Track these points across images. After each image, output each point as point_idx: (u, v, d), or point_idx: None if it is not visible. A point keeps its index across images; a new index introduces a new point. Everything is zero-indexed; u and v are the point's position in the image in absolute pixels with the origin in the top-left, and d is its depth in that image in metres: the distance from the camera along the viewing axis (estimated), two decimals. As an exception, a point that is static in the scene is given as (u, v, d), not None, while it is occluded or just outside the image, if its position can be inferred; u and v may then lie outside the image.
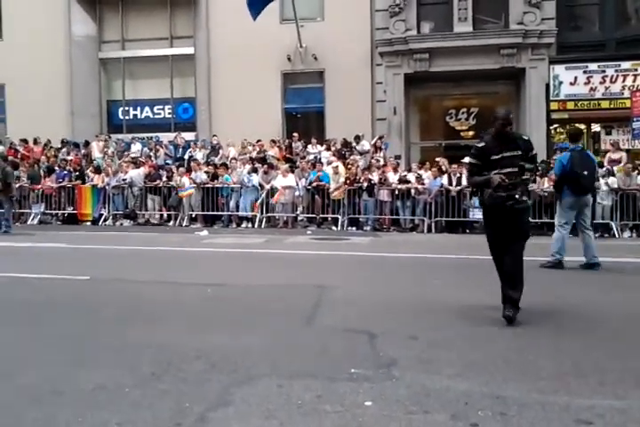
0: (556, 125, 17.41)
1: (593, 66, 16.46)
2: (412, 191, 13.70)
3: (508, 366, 3.64)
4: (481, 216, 12.90)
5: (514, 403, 2.99)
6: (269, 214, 14.49)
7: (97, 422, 2.75)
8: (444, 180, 13.69)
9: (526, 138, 4.95)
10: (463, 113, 18.03)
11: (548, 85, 16.59)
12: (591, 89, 16.47)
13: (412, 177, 13.97)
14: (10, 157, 16.73)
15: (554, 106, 16.67)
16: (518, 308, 4.70)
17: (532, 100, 16.62)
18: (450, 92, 17.94)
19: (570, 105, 16.61)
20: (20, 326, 4.62)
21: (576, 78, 16.50)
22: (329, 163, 15.01)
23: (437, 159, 15.00)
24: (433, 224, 13.56)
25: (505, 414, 2.84)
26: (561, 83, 16.59)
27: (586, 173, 7.48)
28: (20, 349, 3.98)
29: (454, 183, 13.57)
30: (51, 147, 18.61)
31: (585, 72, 16.49)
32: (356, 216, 14.07)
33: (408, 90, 17.39)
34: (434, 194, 13.49)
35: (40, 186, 15.63)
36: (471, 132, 18.05)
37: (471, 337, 4.33)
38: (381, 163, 15.10)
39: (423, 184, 13.79)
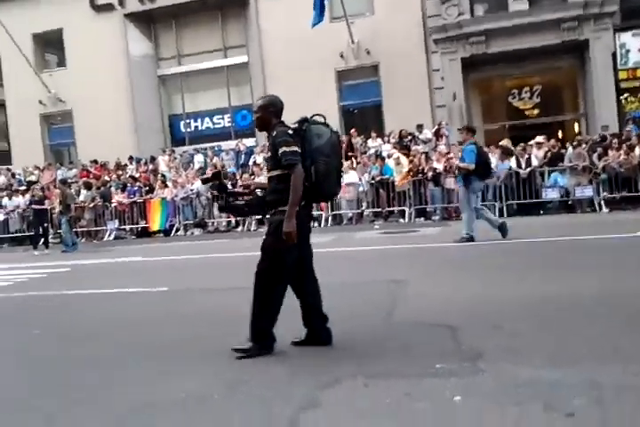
0: (626, 95, 16.55)
1: (661, 30, 15.58)
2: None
3: (597, 352, 3.45)
4: (556, 195, 12.64)
5: (610, 388, 2.81)
6: (335, 212, 14.48)
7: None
8: (513, 163, 13.26)
9: (274, 133, 3.85)
10: (526, 92, 17.47)
11: (614, 55, 15.82)
12: (661, 54, 15.57)
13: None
14: (84, 179, 17.55)
15: (622, 75, 15.94)
16: (260, 341, 3.91)
17: (598, 72, 15.88)
18: (510, 72, 17.44)
19: (640, 72, 15.80)
20: (106, 338, 4.76)
21: (644, 45, 15.65)
22: (389, 156, 14.86)
23: (501, 142, 14.59)
24: (504, 208, 13.15)
25: (602, 401, 2.67)
26: (628, 51, 15.82)
27: (489, 160, 9.35)
28: (110, 359, 4.06)
29: (523, 165, 13.12)
30: (123, 164, 19.26)
31: (653, 38, 15.62)
32: (423, 207, 13.84)
33: (466, 74, 17.02)
34: (502, 177, 13.10)
35: (113, 202, 16.19)
36: (536, 111, 17.50)
37: (555, 326, 4.12)
38: (445, 150, 14.80)
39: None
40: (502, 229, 8.85)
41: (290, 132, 3.81)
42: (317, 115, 4.08)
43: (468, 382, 3.09)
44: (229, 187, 5.00)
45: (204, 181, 4.60)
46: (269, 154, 3.93)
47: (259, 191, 4.30)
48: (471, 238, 8.82)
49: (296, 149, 3.72)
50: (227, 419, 2.85)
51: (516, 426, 2.56)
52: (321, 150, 3.80)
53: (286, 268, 3.96)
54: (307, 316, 4.09)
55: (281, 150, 3.72)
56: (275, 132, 3.84)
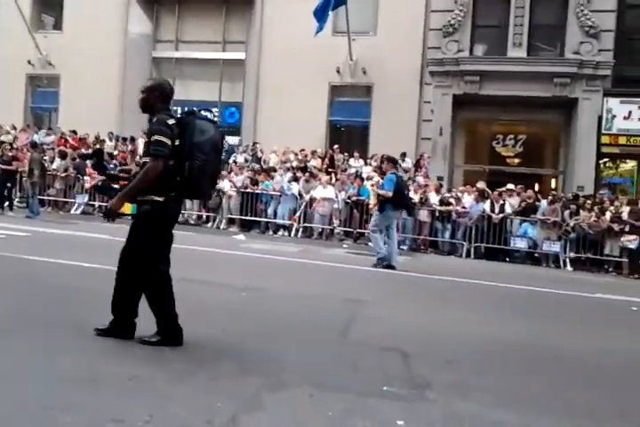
0: (605, 160, 16.99)
1: (649, 101, 16.08)
2: (453, 214, 13.56)
3: (545, 398, 3.56)
4: (524, 246, 12.87)
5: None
6: (306, 224, 14.50)
7: (129, 411, 2.77)
8: (487, 206, 13.51)
9: (155, 119, 3.83)
10: (510, 139, 17.76)
11: (600, 118, 16.23)
12: (646, 125, 16.06)
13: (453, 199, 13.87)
14: (60, 147, 17.22)
15: (605, 140, 16.23)
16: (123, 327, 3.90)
17: (582, 132, 16.22)
18: (498, 116, 17.71)
19: (622, 140, 16.14)
20: (59, 310, 4.70)
21: (630, 113, 16.07)
22: (369, 178, 14.97)
23: (478, 184, 14.86)
24: (472, 249, 13.32)
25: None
26: (614, 116, 16.20)
27: (407, 192, 10.11)
28: (59, 334, 4.00)
29: (497, 210, 13.37)
30: (101, 140, 18.94)
31: (640, 107, 16.12)
32: (394, 234, 13.95)
33: (456, 111, 17.25)
34: (475, 219, 13.33)
35: (87, 177, 15.87)
36: (517, 160, 17.77)
37: (509, 367, 4.26)
38: (422, 182, 15.02)
39: (464, 207, 13.65)
40: (383, 265, 9.31)
41: (170, 122, 3.78)
42: (206, 110, 4.11)
43: (414, 409, 3.17)
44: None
45: (83, 157, 4.51)
46: (146, 139, 3.88)
47: None
48: (384, 260, 9.30)
49: (167, 141, 3.69)
50: (167, 408, 2.85)
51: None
52: (200, 147, 3.75)
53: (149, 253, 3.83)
54: (121, 303, 3.89)
55: (153, 138, 3.71)
56: (155, 119, 3.81)
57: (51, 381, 3.12)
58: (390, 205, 9.30)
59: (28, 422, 2.61)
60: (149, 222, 3.78)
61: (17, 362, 3.39)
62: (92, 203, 15.79)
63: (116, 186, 4.43)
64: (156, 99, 3.92)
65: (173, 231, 3.98)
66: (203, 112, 3.89)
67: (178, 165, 3.72)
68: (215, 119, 4.18)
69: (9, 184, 14.02)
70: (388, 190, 9.24)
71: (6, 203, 13.79)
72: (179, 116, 3.92)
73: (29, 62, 21.61)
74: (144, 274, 3.84)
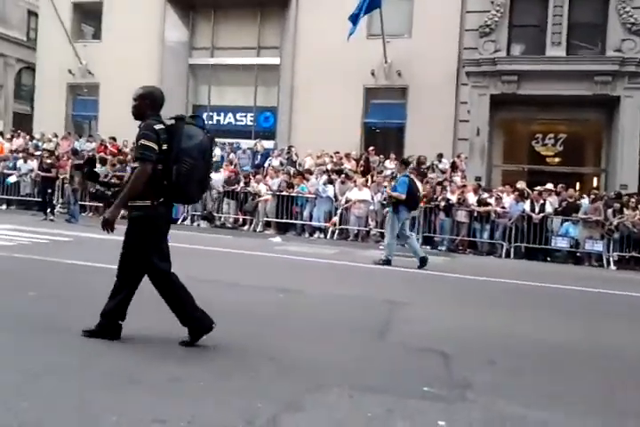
0: (649, 157, 16.53)
1: (694, 97, 15.58)
2: (492, 214, 13.36)
3: (591, 399, 3.48)
4: (565, 245, 12.65)
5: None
6: (342, 227, 14.48)
7: (171, 412, 2.77)
8: (527, 205, 13.29)
9: (143, 124, 3.87)
10: (550, 138, 17.44)
11: (643, 116, 15.81)
12: (691, 122, 15.58)
13: (492, 200, 13.67)
14: (101, 154, 17.59)
15: (649, 137, 15.85)
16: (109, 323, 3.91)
17: (625, 130, 15.82)
18: (537, 116, 17.42)
19: (665, 137, 15.75)
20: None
21: (674, 109, 15.66)
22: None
23: (517, 184, 14.62)
24: (512, 249, 13.11)
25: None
26: (658, 113, 15.78)
27: (419, 193, 10.29)
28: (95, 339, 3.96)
29: (537, 210, 13.14)
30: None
31: (685, 104, 15.63)
32: (432, 235, 13.85)
33: (493, 111, 17.02)
34: (515, 218, 13.12)
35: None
36: (557, 159, 17.45)
37: (549, 367, 4.16)
38: (459, 183, 14.84)
39: (504, 207, 13.45)
40: (422, 262, 9.49)
41: (157, 127, 3.81)
42: (196, 116, 4.12)
43: (455, 410, 3.12)
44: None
45: (77, 167, 4.59)
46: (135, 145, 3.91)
47: None
48: (388, 262, 9.51)
49: (153, 145, 3.73)
50: (208, 409, 2.86)
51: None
52: (188, 152, 3.78)
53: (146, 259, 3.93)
54: (122, 309, 3.91)
55: (139, 142, 3.77)
56: (143, 124, 3.85)
57: (91, 382, 3.14)
58: (404, 207, 9.56)
59: (74, 421, 2.64)
60: (141, 227, 3.87)
61: (55, 363, 3.43)
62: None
63: (109, 192, 4.52)
64: (146, 106, 3.98)
65: (171, 232, 4.11)
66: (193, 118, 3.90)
67: (166, 169, 3.77)
68: (204, 124, 4.15)
69: (49, 190, 14.41)
70: (401, 193, 9.49)
71: (48, 209, 14.13)
72: (167, 121, 3.95)
73: (70, 71, 22.15)
74: (150, 277, 3.94)
